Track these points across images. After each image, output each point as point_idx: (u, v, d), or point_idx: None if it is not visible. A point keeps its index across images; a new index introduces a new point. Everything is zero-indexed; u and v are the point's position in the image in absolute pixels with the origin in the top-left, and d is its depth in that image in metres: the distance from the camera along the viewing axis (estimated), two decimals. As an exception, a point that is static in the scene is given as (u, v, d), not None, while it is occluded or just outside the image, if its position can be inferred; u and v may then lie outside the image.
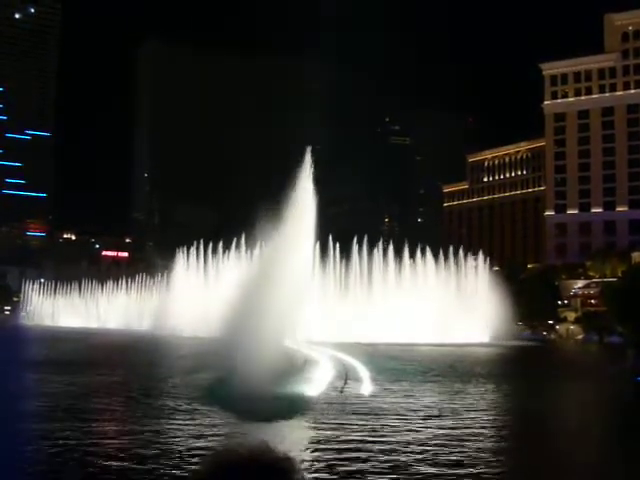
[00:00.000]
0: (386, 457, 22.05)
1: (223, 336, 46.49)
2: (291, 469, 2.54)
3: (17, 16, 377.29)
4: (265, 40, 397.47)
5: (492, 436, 26.75)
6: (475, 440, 25.33)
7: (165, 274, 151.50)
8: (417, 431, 26.88)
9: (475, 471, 20.52)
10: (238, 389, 34.82)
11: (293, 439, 25.66)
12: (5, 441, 25.35)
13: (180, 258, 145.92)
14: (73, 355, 64.03)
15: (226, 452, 2.53)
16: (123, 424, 28.62)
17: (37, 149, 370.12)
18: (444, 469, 20.64)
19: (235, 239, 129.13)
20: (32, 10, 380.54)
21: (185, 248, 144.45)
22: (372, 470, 20.35)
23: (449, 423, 29.25)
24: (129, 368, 48.29)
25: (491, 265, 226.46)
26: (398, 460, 21.64)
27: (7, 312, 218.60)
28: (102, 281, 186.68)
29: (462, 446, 24.07)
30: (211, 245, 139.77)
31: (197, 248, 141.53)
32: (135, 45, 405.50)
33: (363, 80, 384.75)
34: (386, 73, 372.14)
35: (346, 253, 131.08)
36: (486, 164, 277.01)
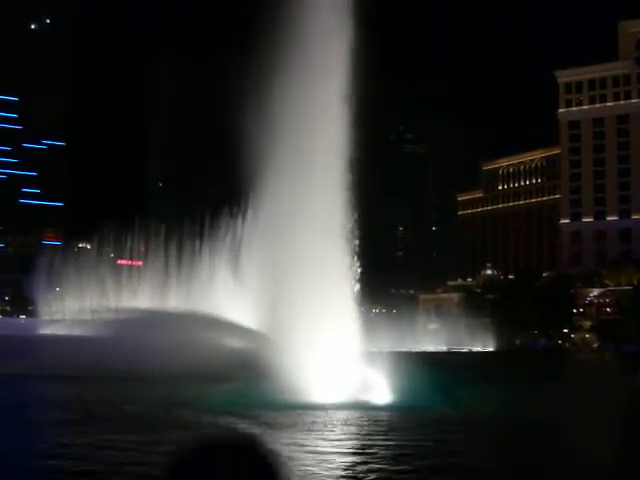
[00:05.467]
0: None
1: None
2: (260, 451, 2.45)
3: (33, 27, 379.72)
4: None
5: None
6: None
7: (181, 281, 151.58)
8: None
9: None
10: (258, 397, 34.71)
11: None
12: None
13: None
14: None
15: (194, 441, 2.43)
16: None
17: (53, 158, 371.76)
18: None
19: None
20: (47, 21, 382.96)
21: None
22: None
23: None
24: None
25: (506, 273, 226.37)
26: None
27: (23, 321, 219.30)
28: (118, 289, 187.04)
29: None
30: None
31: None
32: (149, 55, 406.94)
33: (376, 88, 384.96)
34: (399, 80, 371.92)
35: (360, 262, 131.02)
36: (501, 172, 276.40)
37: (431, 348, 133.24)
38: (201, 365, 48.84)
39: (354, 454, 24.70)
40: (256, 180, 49.48)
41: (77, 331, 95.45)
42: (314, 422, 31.84)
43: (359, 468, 22.14)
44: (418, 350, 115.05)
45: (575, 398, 48.65)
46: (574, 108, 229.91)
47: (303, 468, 21.46)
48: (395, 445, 26.52)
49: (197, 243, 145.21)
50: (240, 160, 47.27)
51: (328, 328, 41.72)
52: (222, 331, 68.64)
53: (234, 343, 62.27)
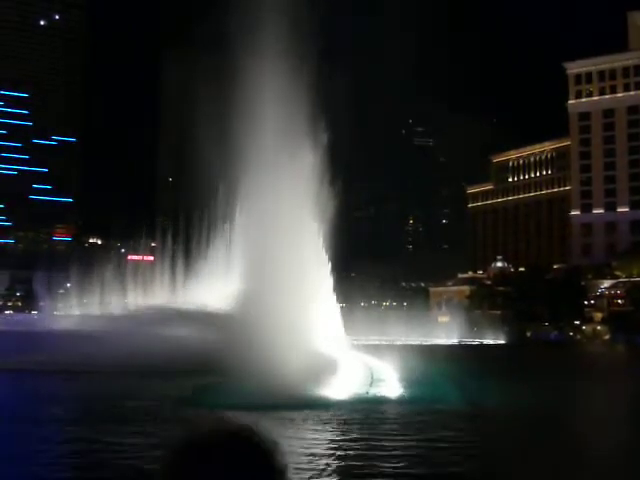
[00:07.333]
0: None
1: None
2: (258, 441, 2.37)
3: (42, 23, 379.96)
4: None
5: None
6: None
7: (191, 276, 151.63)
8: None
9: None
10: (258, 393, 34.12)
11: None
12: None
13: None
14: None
15: (192, 435, 2.34)
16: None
17: (63, 154, 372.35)
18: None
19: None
20: (57, 17, 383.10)
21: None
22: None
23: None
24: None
25: (517, 266, 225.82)
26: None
27: (35, 316, 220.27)
28: (128, 285, 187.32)
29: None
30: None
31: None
32: (160, 49, 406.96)
33: (387, 81, 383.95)
34: (411, 74, 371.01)
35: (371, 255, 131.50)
36: (510, 164, 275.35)
37: (442, 341, 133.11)
38: (176, 358, 49.00)
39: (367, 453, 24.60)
40: (245, 175, 49.84)
41: (87, 326, 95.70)
42: (330, 419, 31.48)
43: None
44: (429, 343, 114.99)
45: (589, 393, 48.49)
46: (584, 99, 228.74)
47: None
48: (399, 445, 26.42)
49: (205, 238, 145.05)
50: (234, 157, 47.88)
51: (326, 325, 41.72)
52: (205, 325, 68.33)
53: (213, 336, 61.80)
